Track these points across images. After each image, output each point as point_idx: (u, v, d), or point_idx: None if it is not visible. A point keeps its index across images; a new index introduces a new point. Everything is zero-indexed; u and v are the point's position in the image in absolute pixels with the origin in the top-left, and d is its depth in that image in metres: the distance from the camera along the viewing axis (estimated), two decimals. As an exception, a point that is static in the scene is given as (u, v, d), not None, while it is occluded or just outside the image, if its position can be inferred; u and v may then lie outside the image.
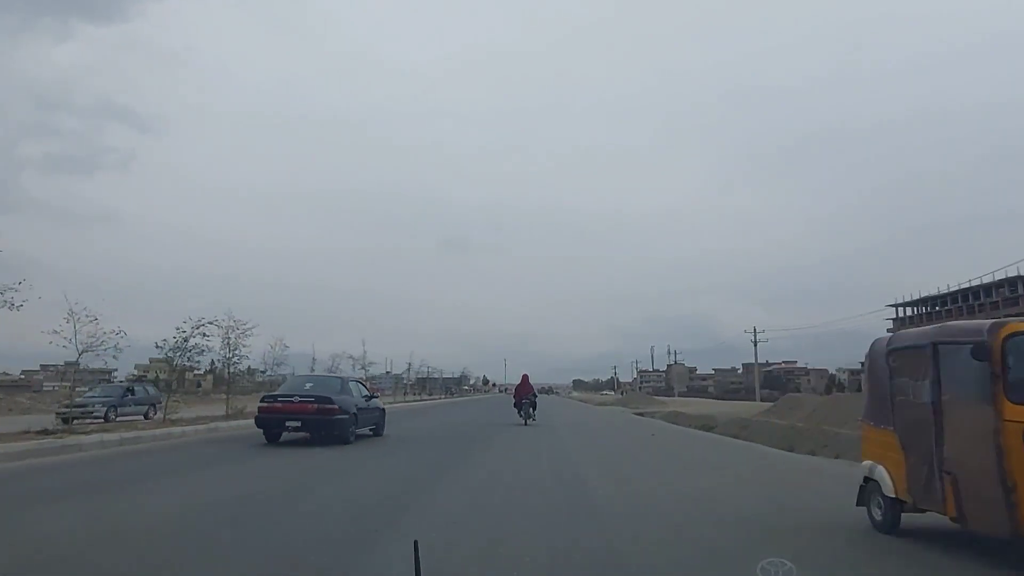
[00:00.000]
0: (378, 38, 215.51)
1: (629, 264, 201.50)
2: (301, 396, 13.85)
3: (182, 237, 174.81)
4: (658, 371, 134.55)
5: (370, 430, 15.93)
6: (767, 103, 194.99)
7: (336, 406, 13.64)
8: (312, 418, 13.41)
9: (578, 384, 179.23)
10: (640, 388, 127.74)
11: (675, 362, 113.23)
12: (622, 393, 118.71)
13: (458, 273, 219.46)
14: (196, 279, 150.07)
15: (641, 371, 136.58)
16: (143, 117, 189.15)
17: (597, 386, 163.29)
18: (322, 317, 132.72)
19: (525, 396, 22.84)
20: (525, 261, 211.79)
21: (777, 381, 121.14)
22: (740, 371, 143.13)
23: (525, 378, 23.88)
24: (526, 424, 21.71)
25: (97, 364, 17.02)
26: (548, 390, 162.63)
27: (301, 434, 13.87)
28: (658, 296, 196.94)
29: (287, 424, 13.58)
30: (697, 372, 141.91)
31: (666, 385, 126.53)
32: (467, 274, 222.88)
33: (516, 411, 22.70)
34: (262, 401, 14.38)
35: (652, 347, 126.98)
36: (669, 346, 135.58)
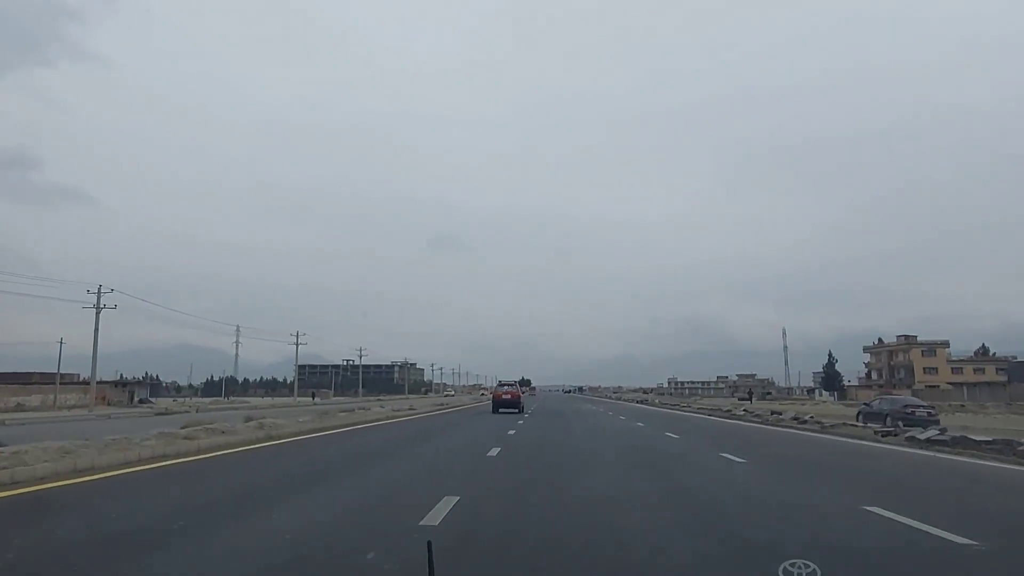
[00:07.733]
0: (388, 46, 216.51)
1: (637, 269, 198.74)
2: (509, 385, 39.60)
3: (182, 239, 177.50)
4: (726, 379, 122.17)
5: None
6: (771, 106, 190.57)
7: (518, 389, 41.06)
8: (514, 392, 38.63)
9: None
10: (681, 390, 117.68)
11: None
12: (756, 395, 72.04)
13: (463, 277, 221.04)
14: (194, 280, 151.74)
15: (676, 383, 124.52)
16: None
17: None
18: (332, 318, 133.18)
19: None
20: (532, 268, 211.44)
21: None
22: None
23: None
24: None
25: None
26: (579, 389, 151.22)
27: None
28: (670, 298, 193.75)
29: (505, 394, 37.03)
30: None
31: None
32: (473, 278, 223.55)
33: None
34: (497, 388, 41.29)
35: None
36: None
